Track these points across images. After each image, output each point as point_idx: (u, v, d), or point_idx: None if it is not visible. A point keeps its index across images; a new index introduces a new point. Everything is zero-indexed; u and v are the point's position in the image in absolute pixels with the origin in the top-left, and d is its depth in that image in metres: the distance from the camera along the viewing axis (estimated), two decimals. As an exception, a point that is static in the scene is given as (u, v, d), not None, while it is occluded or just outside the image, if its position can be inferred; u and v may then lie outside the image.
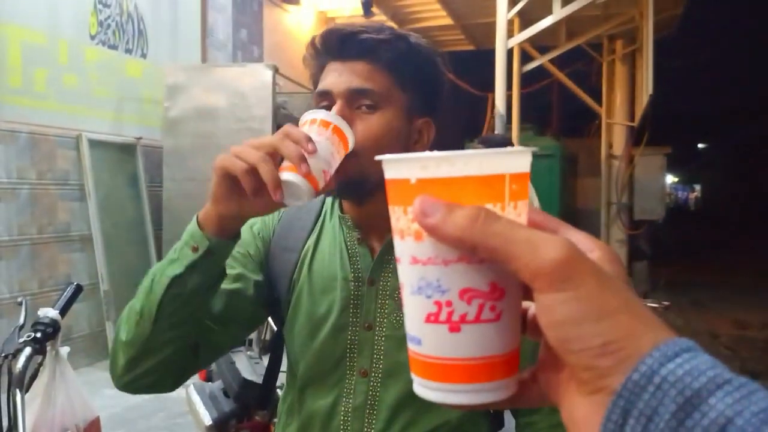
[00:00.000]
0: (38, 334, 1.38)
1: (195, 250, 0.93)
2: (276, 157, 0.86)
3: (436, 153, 0.39)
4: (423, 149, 1.10)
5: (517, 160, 0.40)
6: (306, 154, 0.85)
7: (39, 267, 4.49)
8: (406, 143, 1.07)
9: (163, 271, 0.96)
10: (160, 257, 5.36)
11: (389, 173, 0.41)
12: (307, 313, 1.11)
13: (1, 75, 4.25)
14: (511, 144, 4.84)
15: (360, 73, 1.02)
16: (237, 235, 0.97)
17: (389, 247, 1.09)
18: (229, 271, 1.04)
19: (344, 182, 1.01)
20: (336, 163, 0.92)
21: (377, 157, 0.42)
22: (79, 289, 1.51)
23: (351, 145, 0.95)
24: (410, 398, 1.07)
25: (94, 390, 4.24)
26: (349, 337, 1.09)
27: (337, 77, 1.02)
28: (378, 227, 1.11)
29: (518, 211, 0.40)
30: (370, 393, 1.08)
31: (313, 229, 1.15)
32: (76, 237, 4.81)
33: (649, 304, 3.61)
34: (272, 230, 1.16)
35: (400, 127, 1.04)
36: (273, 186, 0.84)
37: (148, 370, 1.01)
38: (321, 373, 1.10)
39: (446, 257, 0.38)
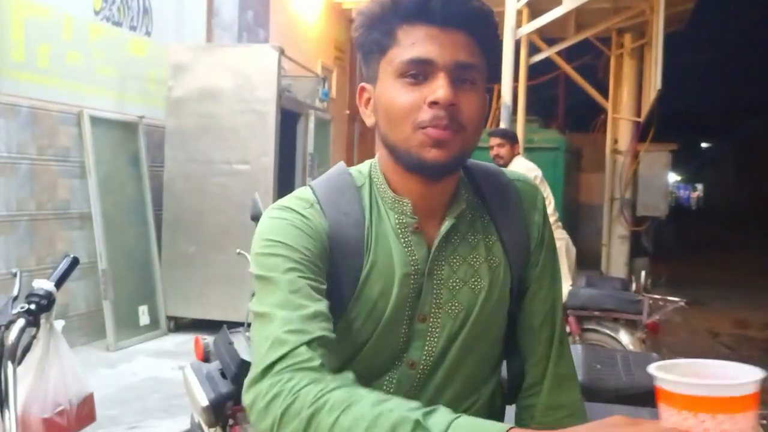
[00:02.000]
0: (32, 306, 1.34)
1: None
2: None
3: None
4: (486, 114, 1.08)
5: None
6: None
7: (37, 244, 4.45)
8: None
9: None
10: (159, 237, 5.34)
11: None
12: (368, 311, 1.03)
13: (4, 49, 4.19)
14: (516, 138, 4.82)
15: (463, 46, 0.96)
16: None
17: (445, 237, 1.04)
18: (321, 286, 0.95)
19: (448, 158, 0.96)
20: None
21: None
22: (75, 261, 1.46)
23: None
24: (450, 382, 1.06)
25: (89, 368, 4.21)
26: (403, 330, 1.04)
27: (440, 47, 0.95)
28: (433, 211, 1.05)
29: None
30: (415, 383, 1.05)
31: (365, 222, 1.04)
32: (76, 215, 4.76)
33: (669, 299, 3.55)
34: (326, 234, 1.01)
35: (486, 102, 1.02)
36: None
37: None
38: (371, 368, 1.05)
39: None
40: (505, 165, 4.65)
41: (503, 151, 4.65)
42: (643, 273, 4.54)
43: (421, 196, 1.03)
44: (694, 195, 46.39)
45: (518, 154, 4.72)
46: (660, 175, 9.74)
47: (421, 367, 1.05)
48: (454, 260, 1.05)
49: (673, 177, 30.57)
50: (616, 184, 9.37)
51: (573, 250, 4.53)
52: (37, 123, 4.42)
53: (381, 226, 1.04)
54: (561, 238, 4.48)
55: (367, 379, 1.04)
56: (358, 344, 1.04)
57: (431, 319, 1.04)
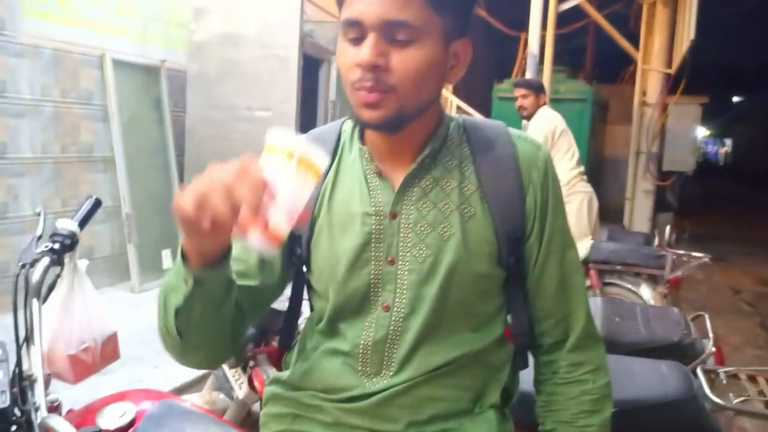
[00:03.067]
0: (56, 245, 1.36)
1: (186, 282, 0.92)
2: (231, 196, 0.78)
3: None
4: (460, 73, 1.05)
5: None
6: (263, 202, 0.78)
7: (61, 186, 4.50)
8: (444, 72, 1.02)
9: (167, 297, 0.96)
10: (183, 180, 5.36)
11: None
12: (328, 251, 1.08)
13: (26, -12, 4.16)
14: (543, 88, 4.69)
15: (396, 1, 0.93)
16: (224, 260, 0.92)
17: (410, 179, 1.06)
18: None
19: (381, 118, 0.98)
20: (303, 199, 0.83)
21: None
22: (98, 203, 1.47)
23: (322, 168, 0.84)
24: (431, 330, 1.06)
25: (114, 309, 4.29)
26: (372, 272, 1.06)
27: (368, 5, 0.93)
28: (401, 158, 1.07)
29: None
30: (392, 327, 1.06)
31: (331, 163, 1.11)
32: (99, 158, 4.80)
33: (694, 254, 3.49)
34: None
35: (438, 57, 0.98)
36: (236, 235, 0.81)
37: (200, 356, 1.06)
38: (347, 310, 1.08)
39: None
40: (529, 116, 4.55)
41: (527, 102, 4.53)
42: (667, 228, 4.49)
43: (384, 143, 1.07)
44: (722, 150, 45.50)
45: (544, 104, 4.61)
46: (688, 129, 9.53)
47: (395, 310, 1.05)
48: (424, 205, 1.05)
49: (701, 132, 29.97)
50: (642, 137, 9.19)
51: (596, 203, 4.45)
52: (59, 65, 4.42)
53: (346, 171, 1.10)
54: (584, 191, 4.41)
55: (349, 322, 1.08)
56: (331, 280, 1.07)
57: (399, 263, 1.05)
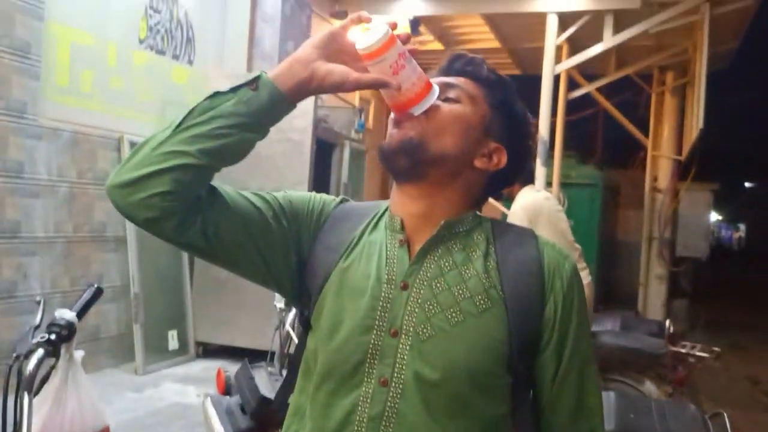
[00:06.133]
0: (52, 336, 1.34)
1: (254, 89, 1.00)
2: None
3: None
4: (490, 169, 1.11)
5: None
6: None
7: (72, 265, 4.51)
8: (473, 150, 1.09)
9: (212, 119, 1.01)
10: (192, 262, 5.37)
11: None
12: (333, 309, 1.05)
13: (49, 74, 4.31)
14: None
15: (455, 80, 1.11)
16: (294, 105, 1.05)
17: (429, 250, 1.06)
18: (261, 203, 1.10)
19: (401, 138, 1.04)
20: (418, 85, 1.02)
21: None
22: (98, 291, 1.46)
23: (432, 97, 1.04)
24: (431, 413, 1.00)
25: (116, 392, 4.23)
26: (372, 340, 1.02)
27: (439, 80, 1.11)
28: (425, 228, 1.08)
29: None
30: (389, 404, 1.01)
31: (360, 233, 1.12)
32: (111, 237, 4.83)
33: (698, 354, 3.36)
34: (325, 218, 1.15)
35: (471, 130, 1.08)
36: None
37: (156, 178, 0.99)
38: (339, 375, 1.03)
39: None
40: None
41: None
42: (669, 323, 4.27)
43: (410, 214, 1.09)
44: (736, 235, 45.23)
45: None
46: (701, 215, 9.51)
47: (393, 386, 1.01)
48: (438, 285, 1.04)
49: (714, 216, 29.94)
50: (655, 222, 9.17)
51: (591, 287, 4.20)
52: (77, 146, 4.52)
53: (371, 238, 1.11)
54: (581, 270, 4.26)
55: (341, 392, 1.03)
56: (329, 339, 1.04)
57: (402, 336, 1.01)
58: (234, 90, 1.01)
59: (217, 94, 1.02)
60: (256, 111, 1.01)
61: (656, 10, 6.54)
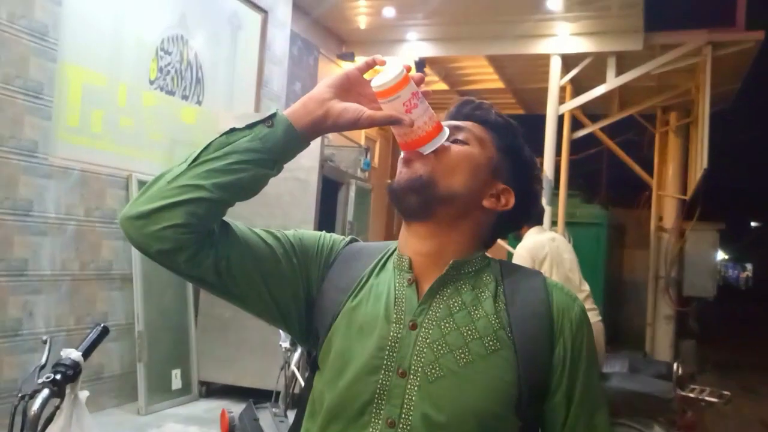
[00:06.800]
0: (58, 376, 1.34)
1: (270, 125, 1.02)
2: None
3: None
4: (499, 210, 1.13)
5: None
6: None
7: (77, 303, 4.52)
8: (481, 190, 1.10)
9: (228, 154, 1.03)
10: (197, 301, 5.37)
11: None
12: (341, 349, 1.05)
13: (61, 113, 4.38)
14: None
15: (464, 124, 1.14)
16: (308, 142, 1.07)
17: (434, 291, 1.06)
18: (272, 240, 1.12)
19: (411, 176, 1.06)
20: (429, 125, 1.05)
21: None
22: (105, 331, 1.46)
23: (442, 138, 1.07)
24: None
25: (118, 433, 4.18)
26: (380, 381, 1.01)
27: (448, 123, 1.14)
28: (432, 268, 1.08)
29: None
30: None
31: (369, 272, 1.12)
32: (117, 275, 4.84)
33: (707, 398, 3.30)
34: (334, 257, 1.16)
35: (480, 171, 1.10)
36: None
37: (170, 211, 1.00)
38: (346, 416, 1.02)
39: None
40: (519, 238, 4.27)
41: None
42: (677, 365, 4.19)
43: (418, 253, 1.09)
44: (743, 274, 44.92)
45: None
46: (707, 255, 9.46)
47: (401, 427, 0.99)
48: (447, 325, 1.03)
49: (720, 255, 29.77)
50: (661, 262, 9.14)
51: (601, 327, 4.14)
52: (86, 185, 4.56)
53: (379, 278, 1.11)
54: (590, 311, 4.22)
55: (344, 427, 1.02)
56: (336, 378, 1.04)
57: (411, 377, 1.01)
58: (250, 126, 1.04)
59: (233, 130, 1.04)
60: (272, 147, 1.03)
61: (658, 52, 6.63)
